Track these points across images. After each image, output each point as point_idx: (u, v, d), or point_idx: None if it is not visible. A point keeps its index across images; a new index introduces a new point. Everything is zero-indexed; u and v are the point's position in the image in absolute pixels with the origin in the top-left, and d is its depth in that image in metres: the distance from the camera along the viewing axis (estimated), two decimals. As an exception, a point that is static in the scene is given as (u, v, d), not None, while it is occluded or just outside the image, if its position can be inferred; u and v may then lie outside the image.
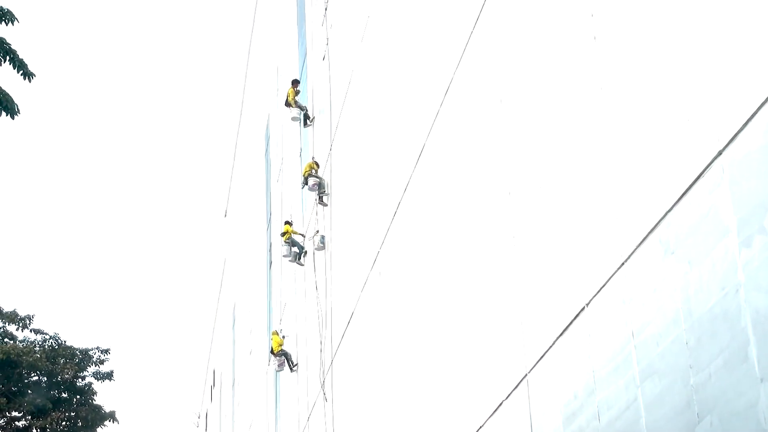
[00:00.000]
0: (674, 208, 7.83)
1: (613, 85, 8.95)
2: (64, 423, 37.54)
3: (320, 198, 23.13)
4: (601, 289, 9.09)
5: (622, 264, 8.66)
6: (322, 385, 22.26)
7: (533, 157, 10.73)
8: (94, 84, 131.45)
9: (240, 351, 44.07)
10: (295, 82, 26.12)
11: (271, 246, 33.66)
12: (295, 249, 25.79)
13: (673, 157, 7.87)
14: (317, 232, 23.78)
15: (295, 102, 25.81)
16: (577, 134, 9.68)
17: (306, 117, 25.82)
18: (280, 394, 30.27)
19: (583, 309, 9.45)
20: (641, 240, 8.34)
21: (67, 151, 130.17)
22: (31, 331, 38.44)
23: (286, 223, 26.32)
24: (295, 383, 26.69)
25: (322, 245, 23.29)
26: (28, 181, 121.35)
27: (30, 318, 38.12)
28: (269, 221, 34.54)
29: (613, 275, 8.86)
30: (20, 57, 14.33)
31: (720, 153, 7.25)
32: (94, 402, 38.97)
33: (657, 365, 8.09)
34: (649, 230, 8.21)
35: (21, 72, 14.53)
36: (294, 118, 26.57)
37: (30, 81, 14.49)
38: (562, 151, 9.99)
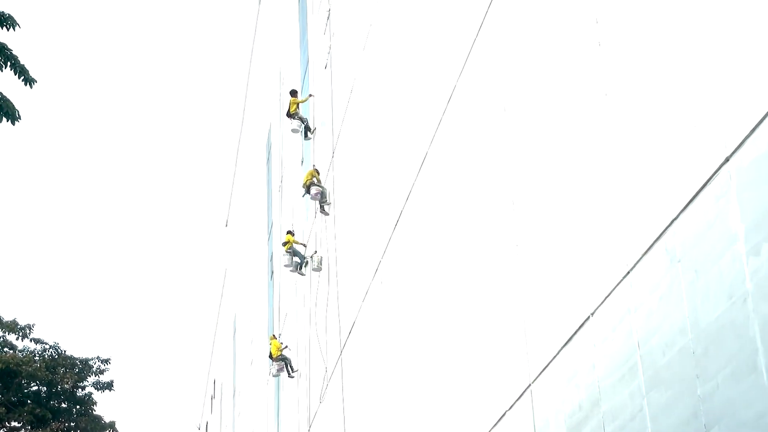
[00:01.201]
0: (680, 216, 7.74)
1: (618, 92, 8.87)
2: (63, 433, 37.42)
3: (321, 207, 23.03)
4: (606, 298, 8.99)
5: (628, 273, 8.57)
6: (323, 396, 22.15)
7: (537, 165, 10.64)
8: (96, 90, 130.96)
9: (241, 361, 43.92)
10: (293, 93, 26.05)
11: (272, 255, 33.55)
12: (297, 259, 25.69)
13: (679, 164, 7.78)
14: (315, 252, 23.70)
15: (297, 113, 25.71)
16: (581, 142, 9.59)
17: (307, 129, 25.74)
18: (281, 403, 30.14)
19: (588, 318, 9.35)
20: (647, 248, 8.25)
21: (68, 159, 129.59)
22: (31, 340, 38.31)
23: (288, 232, 26.22)
24: (296, 393, 26.57)
25: (320, 267, 23.22)
26: (28, 188, 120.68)
27: (30, 327, 37.95)
28: (270, 231, 34.45)
29: (618, 284, 8.77)
30: (21, 63, 14.28)
31: (727, 159, 7.16)
32: (94, 412, 38.74)
33: (663, 375, 7.99)
34: (655, 238, 8.11)
35: (22, 78, 14.45)
36: (294, 130, 26.52)
37: (31, 87, 14.41)
38: (567, 159, 9.91)
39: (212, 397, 61.29)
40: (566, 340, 9.78)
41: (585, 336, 9.41)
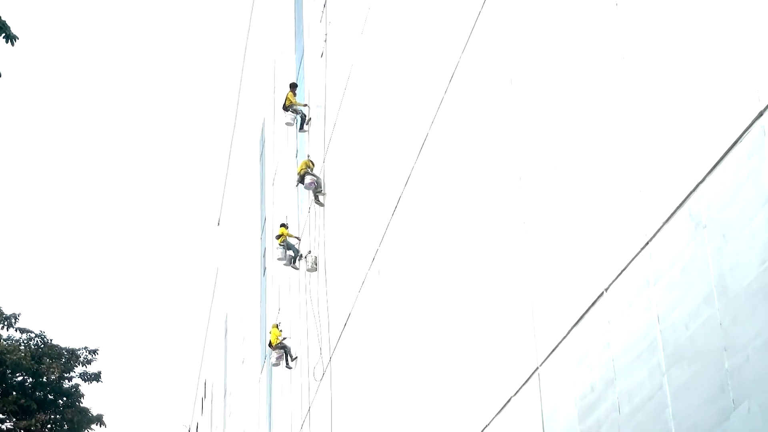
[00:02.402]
0: (707, 178, 7.22)
1: (637, 53, 8.36)
2: (49, 426, 36.38)
3: (316, 197, 22.54)
4: (622, 271, 8.48)
5: (647, 243, 8.05)
6: (321, 379, 21.63)
7: (546, 136, 10.13)
8: (86, 83, 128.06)
9: (232, 361, 43.39)
10: (293, 86, 25.58)
11: (265, 251, 33.05)
12: (290, 252, 25.18)
13: (707, 122, 7.27)
14: (310, 252, 23.21)
15: (292, 106, 25.20)
16: (595, 108, 9.08)
17: (303, 120, 25.22)
18: (273, 400, 29.61)
19: (601, 294, 8.84)
20: (668, 216, 7.74)
21: (53, 134, 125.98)
22: (16, 330, 37.36)
23: (282, 225, 25.71)
24: (289, 390, 26.04)
25: (315, 267, 22.73)
26: (13, 171, 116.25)
27: (16, 316, 36.95)
28: (263, 227, 33.93)
29: (636, 256, 8.25)
30: (2, 18, 13.68)
31: (761, 114, 6.65)
32: (81, 404, 37.78)
33: (686, 350, 7.47)
34: (677, 204, 7.60)
35: (3, 35, 13.88)
36: (288, 123, 26.01)
37: (12, 44, 13.86)
38: (579, 128, 9.39)
39: (203, 398, 60.74)
40: (577, 319, 9.27)
41: (598, 313, 8.89)
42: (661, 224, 7.83)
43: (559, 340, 9.64)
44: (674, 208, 7.64)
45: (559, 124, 9.87)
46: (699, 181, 7.32)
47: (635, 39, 8.41)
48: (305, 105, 25.16)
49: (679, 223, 7.59)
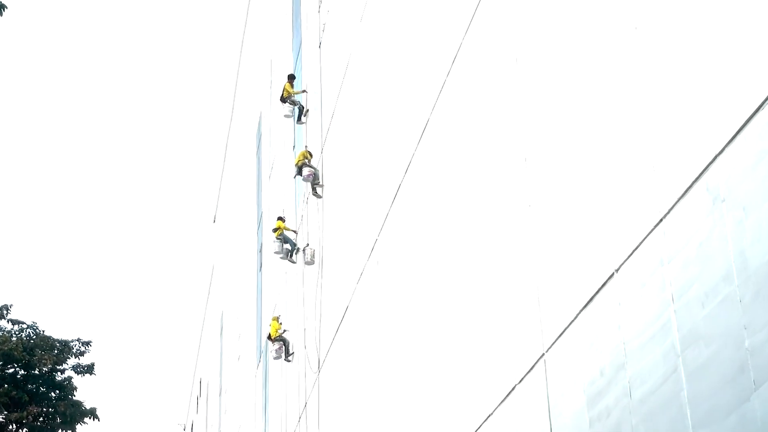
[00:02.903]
0: (726, 149, 6.91)
1: (649, 23, 8.04)
2: (42, 418, 35.84)
3: (314, 189, 22.21)
4: (633, 251, 8.16)
5: (661, 220, 7.74)
6: (318, 374, 21.32)
7: (553, 114, 9.81)
8: (80, 71, 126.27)
9: (228, 359, 43.06)
10: (291, 77, 25.25)
11: (261, 247, 32.71)
12: (287, 246, 24.81)
13: (725, 91, 6.95)
14: (308, 245, 22.90)
15: (290, 98, 24.88)
16: (605, 79, 8.76)
17: (300, 113, 24.90)
18: (269, 397, 29.30)
19: (612, 275, 8.52)
20: (684, 191, 7.42)
21: (47, 128, 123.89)
22: (8, 321, 36.84)
23: (279, 218, 25.36)
24: (286, 383, 25.73)
25: (313, 260, 22.42)
26: (4, 159, 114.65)
27: (7, 307, 36.46)
28: (260, 222, 33.61)
29: (648, 235, 7.93)
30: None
31: (784, 79, 6.34)
32: (74, 397, 37.21)
33: (702, 329, 7.16)
34: (694, 178, 7.29)
35: (-10, 2, 13.59)
36: (286, 116, 25.69)
37: (0, 14, 13.51)
38: (587, 102, 9.07)
39: (198, 397, 60.41)
40: (586, 302, 8.95)
41: (608, 295, 8.57)
42: (676, 200, 7.52)
43: (567, 324, 9.32)
44: (690, 182, 7.33)
45: (566, 102, 9.56)
46: (717, 152, 7.00)
47: (647, 9, 8.09)
48: (303, 91, 24.83)
49: (696, 197, 7.27)
